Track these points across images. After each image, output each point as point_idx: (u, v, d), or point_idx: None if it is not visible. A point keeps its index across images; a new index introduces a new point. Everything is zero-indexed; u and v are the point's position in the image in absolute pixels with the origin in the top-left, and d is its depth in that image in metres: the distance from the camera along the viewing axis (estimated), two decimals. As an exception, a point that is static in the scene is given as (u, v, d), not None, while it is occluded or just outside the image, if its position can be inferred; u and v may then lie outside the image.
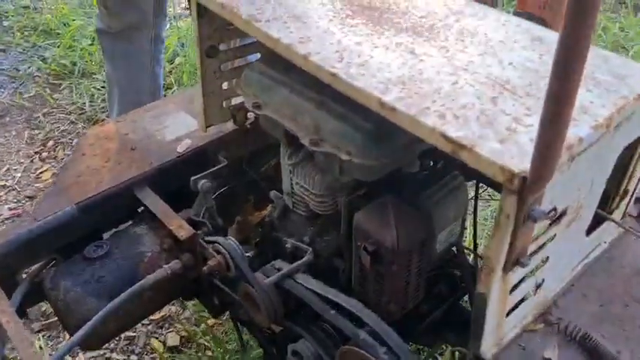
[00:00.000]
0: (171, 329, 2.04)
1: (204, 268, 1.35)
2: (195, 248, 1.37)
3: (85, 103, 3.11)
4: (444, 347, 1.75)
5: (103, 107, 3.07)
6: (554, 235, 1.03)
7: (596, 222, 1.20)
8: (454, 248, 1.39)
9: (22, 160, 2.80)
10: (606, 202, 1.24)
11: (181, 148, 1.57)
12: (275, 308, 1.30)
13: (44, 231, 1.34)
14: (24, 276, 1.39)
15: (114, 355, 1.95)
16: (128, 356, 1.94)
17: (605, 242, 1.26)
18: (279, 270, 1.31)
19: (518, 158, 0.80)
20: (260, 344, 1.55)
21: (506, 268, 0.93)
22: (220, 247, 1.36)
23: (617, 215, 1.26)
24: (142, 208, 1.50)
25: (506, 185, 0.81)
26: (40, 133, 2.97)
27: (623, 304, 1.16)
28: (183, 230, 1.37)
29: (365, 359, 1.11)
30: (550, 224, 0.99)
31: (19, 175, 2.71)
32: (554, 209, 0.94)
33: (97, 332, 1.29)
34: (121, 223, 1.51)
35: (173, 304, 2.10)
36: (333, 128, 1.12)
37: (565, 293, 1.16)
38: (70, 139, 2.92)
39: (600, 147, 0.95)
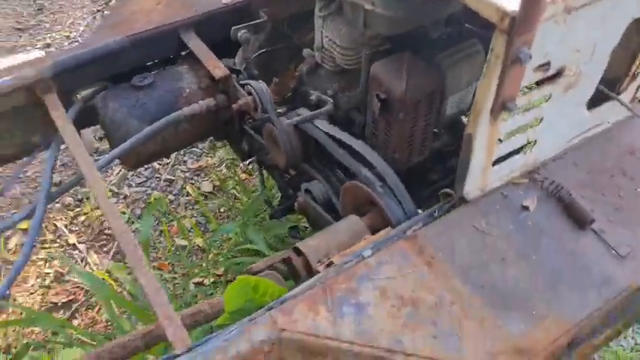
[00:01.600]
0: (206, 178, 2.24)
1: (234, 105, 1.49)
2: (228, 89, 1.51)
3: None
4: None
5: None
6: (550, 95, 1.11)
7: (602, 100, 1.27)
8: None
9: (85, 16, 2.97)
10: (615, 85, 1.30)
11: (227, 0, 1.67)
12: (293, 148, 1.45)
13: (96, 56, 1.50)
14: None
15: (154, 192, 2.17)
16: (166, 195, 2.16)
17: (608, 122, 1.33)
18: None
19: (514, 2, 0.88)
20: (279, 187, 1.71)
21: (494, 111, 1.02)
22: (251, 88, 1.49)
23: (625, 97, 1.31)
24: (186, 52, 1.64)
25: (498, 25, 0.90)
26: (103, -8, 3.12)
27: (610, 175, 1.24)
28: (219, 70, 1.50)
29: (364, 192, 1.25)
30: (543, 81, 1.06)
31: (81, 28, 2.89)
32: (548, 63, 1.02)
33: (137, 151, 1.47)
34: (167, 64, 1.66)
35: (210, 157, 2.29)
36: (360, -22, 1.20)
37: (556, 159, 1.25)
38: None
39: (605, 9, 1.00)
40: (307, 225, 1.62)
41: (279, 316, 0.97)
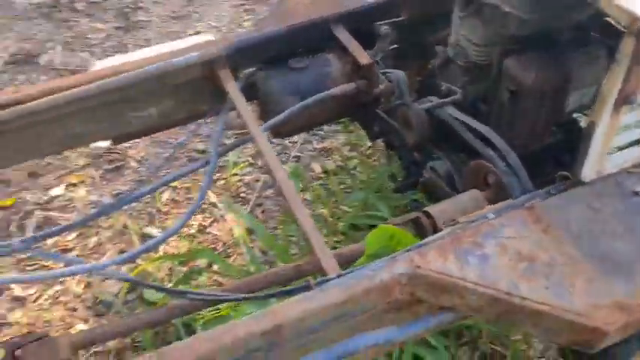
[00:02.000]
0: (329, 158, 2.50)
1: (376, 90, 1.72)
2: (370, 76, 1.75)
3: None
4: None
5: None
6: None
7: None
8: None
9: (229, 9, 3.34)
10: None
11: (374, -1, 1.91)
12: (425, 130, 1.66)
13: (262, 41, 1.78)
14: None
15: (285, 166, 2.46)
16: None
17: None
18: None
19: (644, 8, 1.04)
20: (403, 165, 1.93)
21: (617, 104, 1.18)
22: (390, 75, 1.72)
23: None
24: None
25: (628, 28, 1.06)
26: (246, -11, 3.48)
27: None
28: (364, 58, 1.74)
29: (487, 168, 1.45)
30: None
31: (226, 21, 3.26)
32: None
33: (290, 122, 1.74)
34: (316, 52, 1.92)
35: (334, 140, 2.55)
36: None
37: (671, 154, 1.37)
38: (269, -2, 3.40)
39: None
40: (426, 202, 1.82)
41: (416, 256, 1.19)
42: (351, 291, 1.14)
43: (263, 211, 2.31)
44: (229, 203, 2.23)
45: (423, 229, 1.39)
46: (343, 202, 2.13)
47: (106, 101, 1.72)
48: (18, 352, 1.39)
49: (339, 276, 1.20)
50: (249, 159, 2.52)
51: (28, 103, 1.63)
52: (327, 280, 1.19)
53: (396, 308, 1.24)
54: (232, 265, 1.99)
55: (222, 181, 2.43)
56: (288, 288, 1.23)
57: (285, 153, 2.54)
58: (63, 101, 1.66)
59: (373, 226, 1.36)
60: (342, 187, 2.36)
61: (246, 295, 1.25)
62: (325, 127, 2.62)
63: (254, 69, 1.88)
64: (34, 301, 2.06)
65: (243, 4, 3.36)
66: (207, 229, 2.25)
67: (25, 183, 2.41)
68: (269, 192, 2.39)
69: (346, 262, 1.40)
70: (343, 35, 1.84)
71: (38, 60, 3.00)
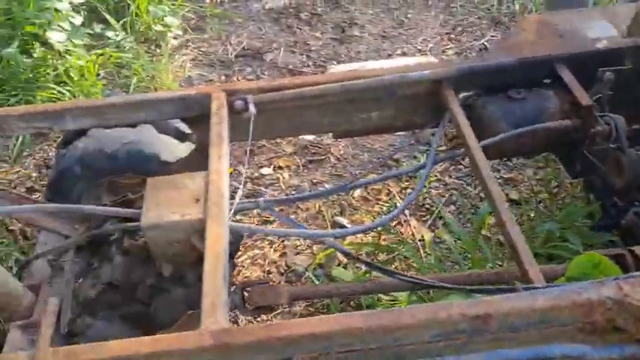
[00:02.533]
0: (515, 189, 2.60)
1: (592, 130, 1.81)
2: (588, 117, 1.83)
3: (493, 5, 3.70)
4: None
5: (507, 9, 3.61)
6: None
7: None
8: None
9: (436, 36, 3.56)
10: None
11: (600, 44, 2.00)
12: (636, 175, 1.71)
13: (488, 69, 1.95)
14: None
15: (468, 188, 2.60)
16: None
17: None
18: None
19: None
20: (602, 206, 1.98)
21: None
22: (610, 119, 1.80)
23: None
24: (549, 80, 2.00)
25: None
26: (452, 19, 3.67)
27: None
28: (585, 99, 1.83)
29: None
30: None
31: (430, 45, 3.48)
32: None
33: (500, 146, 1.89)
34: (531, 86, 2.04)
35: (522, 172, 2.64)
36: None
37: None
38: (473, 30, 3.56)
39: None
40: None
41: (625, 285, 1.27)
42: (558, 301, 1.26)
43: (444, 223, 2.47)
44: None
45: (626, 266, 1.46)
46: (527, 232, 2.22)
47: (341, 100, 1.99)
48: (247, 291, 1.68)
49: (545, 287, 1.32)
50: (437, 174, 2.69)
51: (284, 91, 1.96)
52: (534, 288, 1.32)
53: (589, 330, 1.32)
54: (427, 263, 2.18)
55: (410, 190, 2.63)
56: (494, 287, 1.37)
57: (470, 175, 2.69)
58: (309, 94, 1.96)
59: (559, 257, 1.46)
60: (523, 218, 2.44)
61: (455, 286, 1.41)
62: (514, 159, 2.72)
63: (471, 93, 2.05)
64: (237, 258, 2.40)
65: (448, 34, 3.56)
66: (392, 230, 2.46)
67: (243, 158, 2.81)
68: (451, 208, 2.55)
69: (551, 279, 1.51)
70: (566, 75, 1.94)
71: (264, 57, 3.44)
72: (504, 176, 2.66)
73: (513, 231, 1.47)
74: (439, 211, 2.51)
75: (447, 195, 2.60)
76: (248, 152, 1.81)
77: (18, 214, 2.13)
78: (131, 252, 1.65)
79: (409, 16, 3.74)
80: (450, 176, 2.68)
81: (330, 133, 2.21)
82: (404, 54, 3.37)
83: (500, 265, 2.11)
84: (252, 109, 1.88)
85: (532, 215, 2.42)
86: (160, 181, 1.67)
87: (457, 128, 1.85)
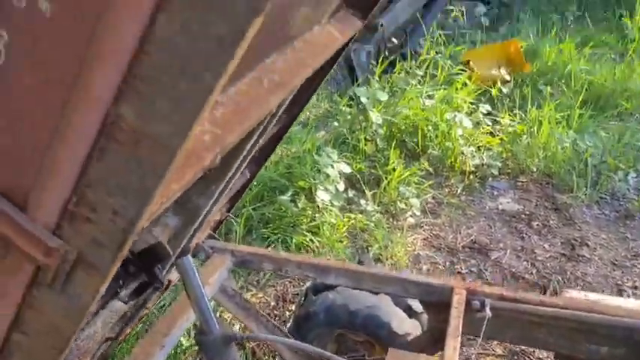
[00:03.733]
0: None
1: None
2: None
3: None
4: None
5: None
6: None
7: None
8: None
9: (673, 278, 3.47)
10: None
11: None
12: None
13: None
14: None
15: None
16: None
17: None
18: None
19: None
20: None
21: None
22: None
23: None
24: None
25: None
26: (694, 264, 3.57)
27: None
28: None
29: None
30: None
31: (665, 286, 3.40)
32: None
33: None
34: None
35: None
36: None
37: None
38: None
39: None
40: None
41: None
42: None
43: None
44: None
45: None
46: None
47: (573, 327, 2.12)
48: None
49: None
50: None
51: (522, 304, 2.15)
52: None
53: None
54: None
55: None
56: None
57: None
58: (544, 313, 2.13)
59: None
60: None
61: None
62: None
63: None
64: None
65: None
66: None
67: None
68: None
69: None
70: None
71: (489, 254, 3.69)
72: None
73: None
74: None
75: None
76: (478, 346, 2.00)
77: (270, 342, 2.55)
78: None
79: (646, 250, 3.72)
80: None
81: (552, 352, 2.31)
82: (634, 287, 3.33)
83: None
84: (488, 311, 2.11)
85: None
86: (399, 355, 1.94)
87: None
